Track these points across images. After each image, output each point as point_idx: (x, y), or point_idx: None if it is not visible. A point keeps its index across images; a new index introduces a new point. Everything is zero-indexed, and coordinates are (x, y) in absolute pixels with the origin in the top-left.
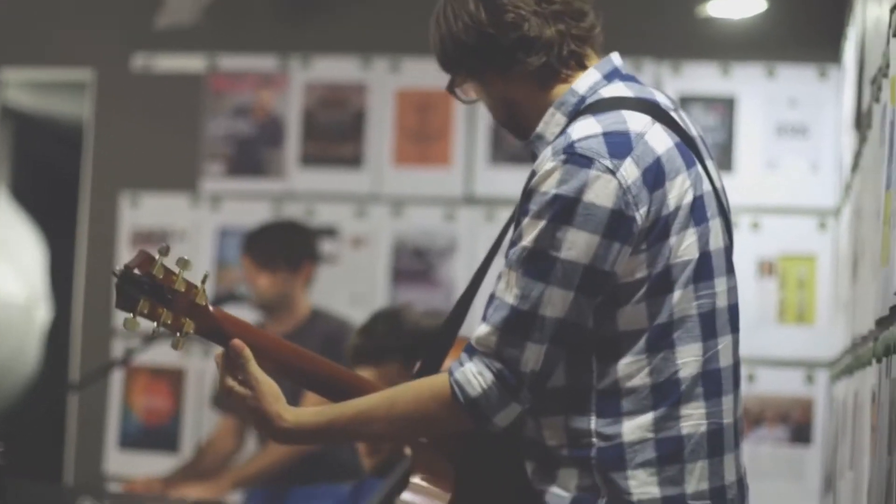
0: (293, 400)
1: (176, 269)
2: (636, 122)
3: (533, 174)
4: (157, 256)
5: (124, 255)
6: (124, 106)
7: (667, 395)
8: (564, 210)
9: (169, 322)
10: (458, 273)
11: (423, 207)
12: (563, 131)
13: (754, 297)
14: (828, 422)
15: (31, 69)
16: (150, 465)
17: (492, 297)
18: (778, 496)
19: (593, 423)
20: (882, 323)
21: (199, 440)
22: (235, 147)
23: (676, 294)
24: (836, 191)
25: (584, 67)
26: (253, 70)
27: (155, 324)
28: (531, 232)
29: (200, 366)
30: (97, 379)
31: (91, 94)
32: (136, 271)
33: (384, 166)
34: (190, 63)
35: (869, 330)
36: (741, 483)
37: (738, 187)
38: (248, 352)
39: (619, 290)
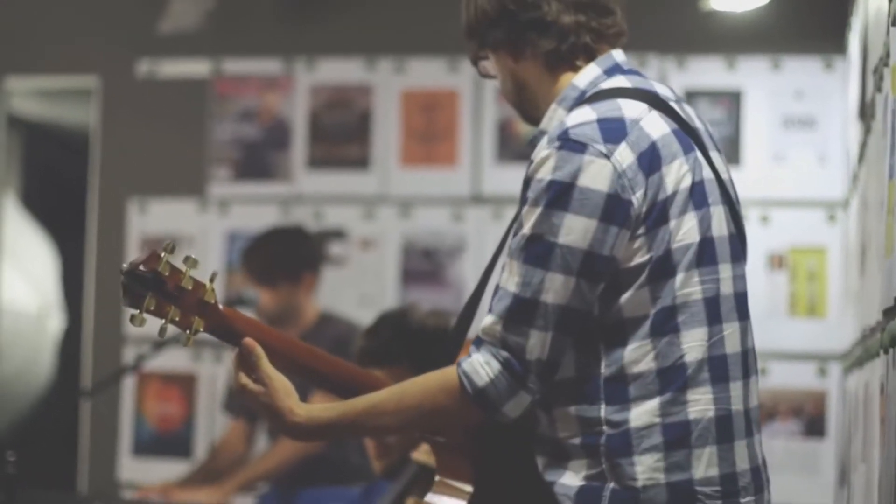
0: (302, 398)
1: (183, 268)
2: (631, 109)
3: (531, 163)
4: (162, 254)
5: None
6: (130, 112)
7: (673, 379)
8: (560, 195)
9: (177, 319)
10: (468, 273)
11: (431, 208)
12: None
13: (765, 290)
14: (841, 415)
15: (36, 77)
16: (163, 472)
17: (497, 289)
18: (792, 490)
19: (603, 410)
20: (888, 313)
21: (213, 443)
22: (242, 151)
23: (679, 278)
24: (844, 182)
25: (584, 59)
26: (258, 73)
27: (163, 321)
28: (529, 219)
29: (212, 371)
30: (109, 385)
31: (97, 101)
32: (142, 268)
33: (391, 167)
34: (195, 68)
35: (876, 321)
36: (757, 472)
37: (746, 181)
38: (259, 349)
39: (620, 276)
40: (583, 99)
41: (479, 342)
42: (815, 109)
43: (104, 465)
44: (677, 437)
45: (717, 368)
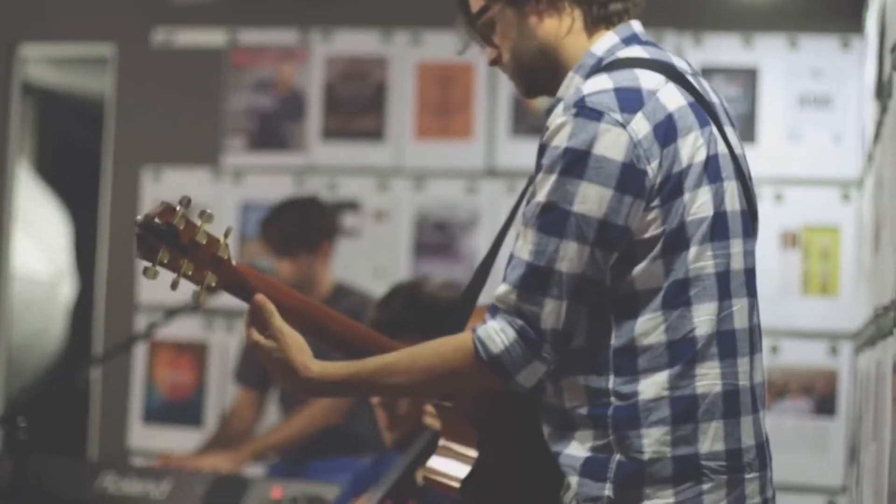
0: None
1: (198, 222)
2: (649, 79)
3: (546, 129)
4: (178, 207)
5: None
6: (145, 81)
7: (682, 352)
8: (575, 163)
9: (190, 273)
10: (480, 246)
11: (445, 180)
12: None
13: (778, 268)
14: (852, 393)
15: (51, 45)
16: (173, 440)
17: (511, 257)
18: (802, 468)
19: (611, 381)
20: None
21: (223, 412)
22: (257, 121)
23: (692, 251)
24: (858, 161)
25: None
26: (274, 44)
27: (176, 274)
28: (544, 187)
29: (223, 340)
30: (120, 353)
31: (112, 70)
32: (157, 220)
33: (405, 139)
34: (210, 37)
35: (890, 300)
36: (762, 448)
37: (761, 158)
38: (271, 305)
39: (634, 247)
40: (599, 67)
41: (493, 310)
42: (831, 88)
43: (115, 432)
44: (684, 411)
45: (726, 343)
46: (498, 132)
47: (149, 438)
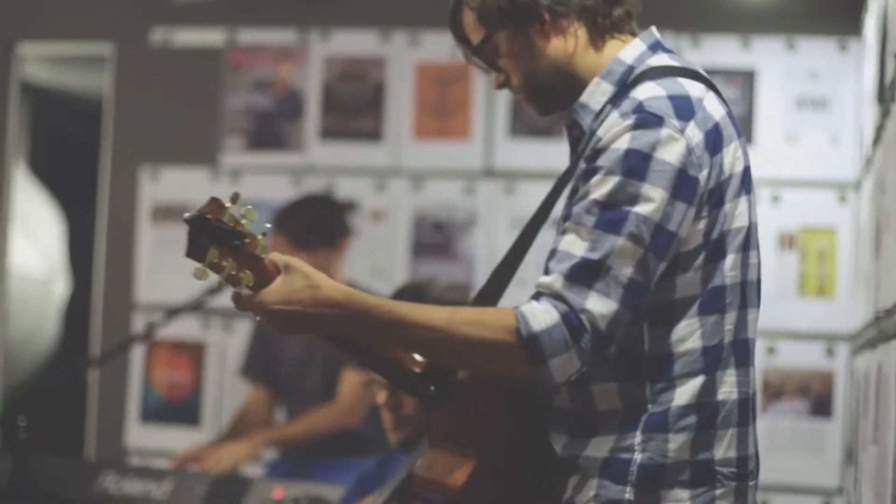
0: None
1: (242, 219)
2: (694, 88)
3: (590, 137)
4: (227, 204)
5: (145, 229)
6: (144, 80)
7: (714, 359)
8: (638, 165)
9: (233, 273)
10: (478, 246)
11: (443, 181)
12: (619, 97)
13: (775, 269)
14: (848, 395)
15: (49, 43)
16: (171, 439)
17: (553, 252)
18: (799, 469)
19: (647, 388)
20: None
21: (236, 410)
22: (255, 121)
23: (729, 259)
24: (856, 164)
25: (623, 33)
26: (272, 44)
27: (220, 275)
28: (603, 187)
29: (221, 339)
30: (118, 355)
31: (110, 69)
32: (209, 216)
33: (404, 140)
34: (209, 37)
35: (894, 303)
36: (758, 456)
37: (759, 160)
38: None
39: (679, 258)
40: (631, 74)
41: (536, 295)
42: (829, 90)
43: (112, 431)
44: (708, 418)
45: (741, 352)
46: (496, 133)
47: (146, 438)
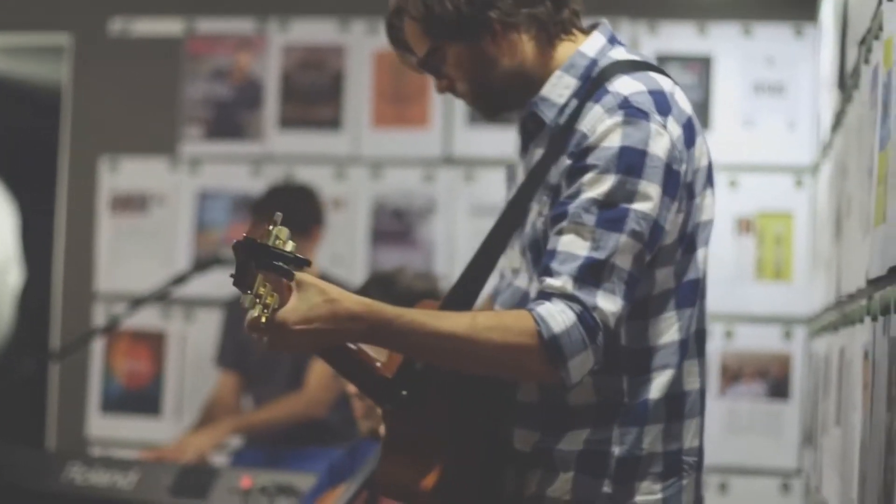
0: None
1: (281, 242)
2: (665, 82)
3: (565, 132)
4: (271, 227)
5: (104, 219)
6: (102, 70)
7: (686, 350)
8: (635, 163)
9: (267, 299)
10: (438, 233)
11: (402, 168)
12: (592, 91)
13: (732, 254)
14: (806, 377)
15: (7, 34)
16: (132, 429)
17: (553, 253)
18: (757, 450)
19: (625, 382)
20: (878, 282)
21: (206, 401)
22: (214, 110)
23: (700, 253)
24: (812, 148)
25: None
26: (231, 33)
27: (257, 302)
28: (601, 186)
29: (182, 329)
30: (81, 346)
31: (68, 59)
32: (259, 242)
33: (363, 128)
34: (167, 27)
35: (858, 288)
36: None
37: (716, 145)
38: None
39: (659, 253)
40: (595, 67)
41: (547, 296)
42: (785, 76)
43: (73, 421)
44: (677, 409)
45: (701, 342)
46: (455, 120)
47: (107, 428)
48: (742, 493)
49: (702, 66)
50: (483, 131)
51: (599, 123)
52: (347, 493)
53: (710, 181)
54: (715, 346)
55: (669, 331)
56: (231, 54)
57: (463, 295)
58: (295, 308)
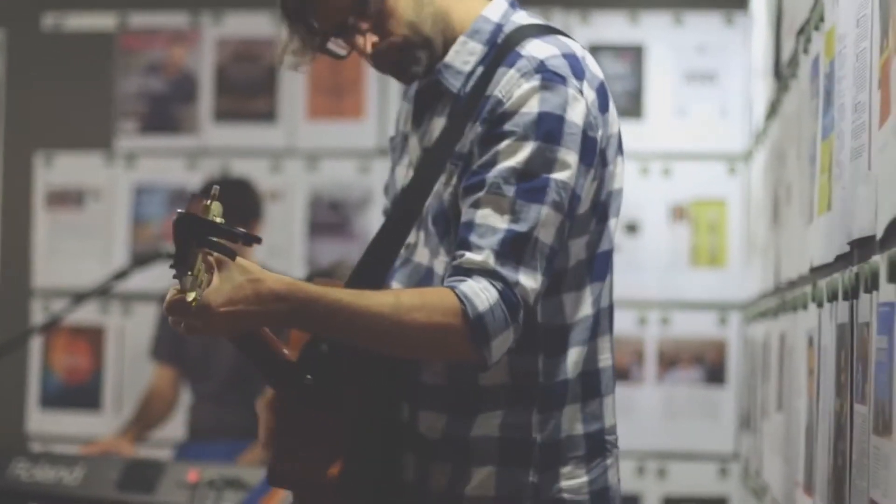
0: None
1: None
2: (576, 46)
3: (476, 99)
4: (208, 202)
5: (40, 214)
6: (36, 65)
7: (599, 326)
8: (553, 129)
9: (200, 280)
10: (374, 225)
11: (338, 160)
12: (500, 56)
13: (667, 241)
14: (741, 363)
15: None
16: (72, 424)
17: (471, 224)
18: (694, 434)
19: (540, 361)
20: (822, 269)
21: (144, 394)
22: (149, 104)
23: (611, 223)
24: (744, 135)
25: None
26: (164, 27)
27: (192, 280)
28: (519, 154)
29: (120, 323)
30: (20, 345)
31: (1, 55)
32: (198, 217)
33: (298, 120)
34: (100, 21)
35: (800, 275)
36: None
37: (649, 134)
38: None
39: (575, 222)
40: (500, 32)
41: (467, 272)
42: (716, 64)
43: (12, 417)
44: (594, 387)
45: (611, 317)
46: (389, 111)
47: (47, 423)
48: (680, 478)
49: (634, 55)
50: None
51: (515, 88)
52: None
53: (620, 149)
54: (651, 332)
55: (583, 305)
56: (165, 48)
57: (370, 275)
58: (218, 289)
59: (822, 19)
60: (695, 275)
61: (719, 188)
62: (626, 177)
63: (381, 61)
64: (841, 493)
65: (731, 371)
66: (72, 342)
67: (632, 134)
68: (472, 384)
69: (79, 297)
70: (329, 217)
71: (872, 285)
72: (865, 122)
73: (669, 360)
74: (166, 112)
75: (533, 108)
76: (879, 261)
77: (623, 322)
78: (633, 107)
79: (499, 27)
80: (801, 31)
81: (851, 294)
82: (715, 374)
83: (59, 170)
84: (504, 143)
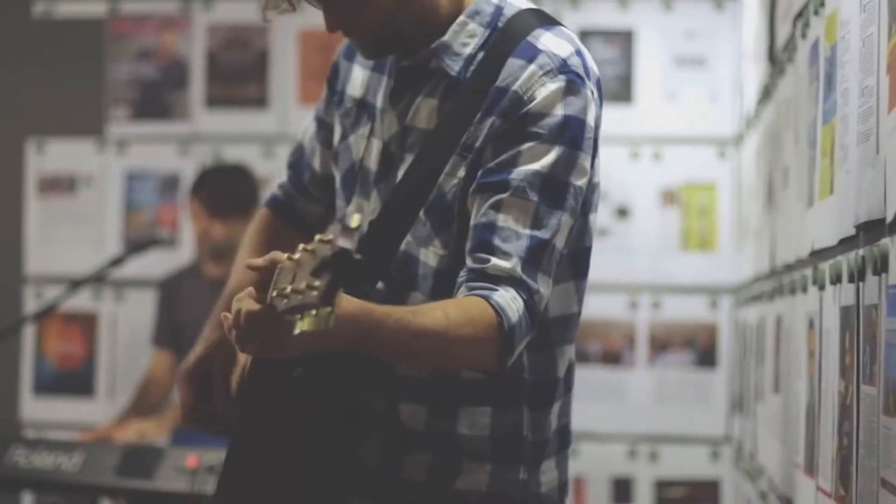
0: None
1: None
2: (576, 38)
3: (482, 87)
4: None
5: (32, 202)
6: (27, 52)
7: (578, 324)
8: (576, 134)
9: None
10: None
11: None
12: (506, 43)
13: (658, 225)
14: (732, 346)
15: None
16: (65, 411)
17: (493, 227)
18: (686, 417)
19: (524, 356)
20: (822, 252)
21: (141, 381)
22: (140, 91)
23: (591, 217)
24: (735, 120)
25: None
26: (155, 13)
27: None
28: (544, 158)
29: (113, 310)
30: (14, 332)
31: None
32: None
33: (289, 106)
34: (91, 8)
35: (798, 258)
36: None
37: (639, 119)
38: None
39: None
40: (500, 15)
41: (494, 279)
42: (706, 48)
43: (5, 404)
44: (569, 382)
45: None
46: None
47: (40, 410)
48: (672, 461)
49: (624, 40)
50: None
51: (539, 87)
52: None
53: (599, 143)
54: (643, 316)
55: (570, 303)
56: (156, 35)
57: (376, 265)
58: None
59: (822, 4)
60: (685, 258)
61: (709, 172)
62: (617, 161)
63: (355, 37)
64: (847, 473)
65: (723, 354)
66: (65, 329)
67: (622, 118)
68: (453, 377)
69: (74, 284)
70: None
71: (882, 267)
72: (873, 107)
73: (660, 344)
74: (158, 98)
75: (559, 111)
76: (889, 243)
77: (614, 306)
78: (623, 91)
79: (499, 9)
80: (799, 16)
81: (858, 276)
82: (706, 357)
83: (50, 157)
84: (527, 145)
